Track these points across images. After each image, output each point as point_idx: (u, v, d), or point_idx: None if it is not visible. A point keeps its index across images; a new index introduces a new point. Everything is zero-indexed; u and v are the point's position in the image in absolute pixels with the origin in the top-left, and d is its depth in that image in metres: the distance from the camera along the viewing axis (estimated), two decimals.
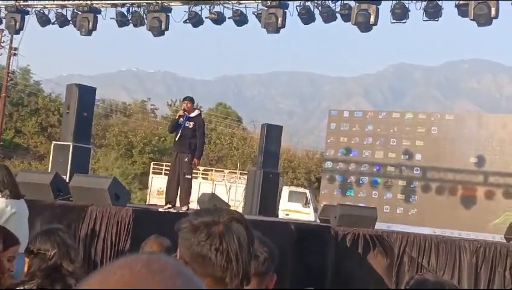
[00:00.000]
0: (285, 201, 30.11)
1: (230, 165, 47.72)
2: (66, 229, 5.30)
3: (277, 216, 21.23)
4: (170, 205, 12.65)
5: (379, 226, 15.06)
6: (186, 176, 12.67)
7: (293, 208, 29.86)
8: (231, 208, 17.79)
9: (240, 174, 32.89)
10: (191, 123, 12.69)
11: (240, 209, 25.35)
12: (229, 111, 71.61)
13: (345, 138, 23.19)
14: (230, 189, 31.52)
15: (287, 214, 28.29)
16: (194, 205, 24.02)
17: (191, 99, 13.06)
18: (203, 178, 33.33)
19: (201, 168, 34.58)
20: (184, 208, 12.59)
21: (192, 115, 12.80)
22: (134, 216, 10.05)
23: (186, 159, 12.59)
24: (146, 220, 10.30)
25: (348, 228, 13.32)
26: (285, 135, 28.66)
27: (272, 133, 20.20)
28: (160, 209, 12.65)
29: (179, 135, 12.73)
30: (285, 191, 31.07)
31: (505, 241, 13.72)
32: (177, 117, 13.12)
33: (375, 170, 22.65)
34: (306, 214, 29.33)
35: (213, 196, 17.75)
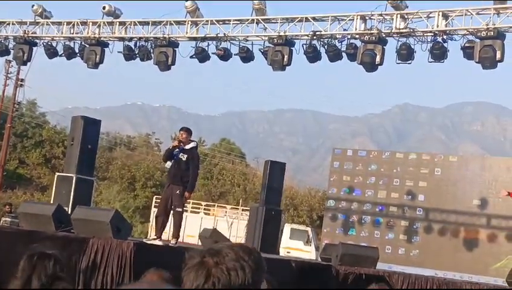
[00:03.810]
0: (287, 238, 29.94)
1: (233, 201, 47.57)
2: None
3: (278, 253, 21.10)
4: (156, 237, 12.38)
5: (380, 266, 14.98)
6: (177, 209, 12.33)
7: (294, 246, 29.68)
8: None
9: (242, 210, 32.77)
10: (185, 155, 12.37)
11: None
12: (232, 147, 71.62)
13: (348, 176, 23.17)
14: (232, 225, 31.37)
15: (288, 252, 28.13)
16: (195, 239, 23.95)
17: (187, 130, 12.67)
18: (205, 213, 33.18)
19: (203, 203, 34.45)
20: (173, 242, 12.36)
21: (187, 147, 12.47)
22: (135, 249, 10.00)
23: (178, 192, 12.26)
24: (147, 254, 10.25)
25: (349, 267, 13.24)
26: (288, 172, 28.59)
27: (275, 170, 20.11)
28: (144, 240, 12.45)
29: (172, 166, 12.42)
30: (287, 228, 30.90)
31: (506, 285, 13.62)
32: (171, 147, 12.74)
33: (377, 209, 22.58)
34: (307, 253, 29.13)
35: (214, 231, 17.64)
